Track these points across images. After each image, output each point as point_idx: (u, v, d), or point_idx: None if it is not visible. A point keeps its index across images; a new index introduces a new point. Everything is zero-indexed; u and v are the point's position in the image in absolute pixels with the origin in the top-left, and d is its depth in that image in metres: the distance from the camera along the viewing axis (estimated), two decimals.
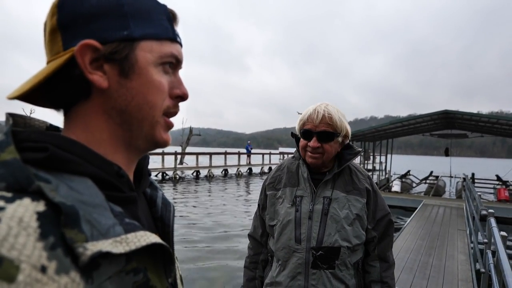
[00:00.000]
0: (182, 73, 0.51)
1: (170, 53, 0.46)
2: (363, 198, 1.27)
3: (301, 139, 1.28)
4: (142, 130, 0.45)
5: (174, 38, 0.47)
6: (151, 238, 0.41)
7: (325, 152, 1.24)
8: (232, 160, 25.29)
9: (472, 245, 5.48)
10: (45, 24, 0.44)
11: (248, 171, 25.05)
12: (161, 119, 0.47)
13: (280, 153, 33.93)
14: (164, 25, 0.46)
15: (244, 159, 26.03)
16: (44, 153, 0.37)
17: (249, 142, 28.21)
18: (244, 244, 6.79)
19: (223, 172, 22.83)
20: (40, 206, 0.33)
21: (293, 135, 1.36)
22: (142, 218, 0.48)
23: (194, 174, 21.07)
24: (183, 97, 0.49)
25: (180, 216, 9.24)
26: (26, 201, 0.33)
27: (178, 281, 0.53)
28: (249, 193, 14.50)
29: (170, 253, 0.46)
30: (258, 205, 1.42)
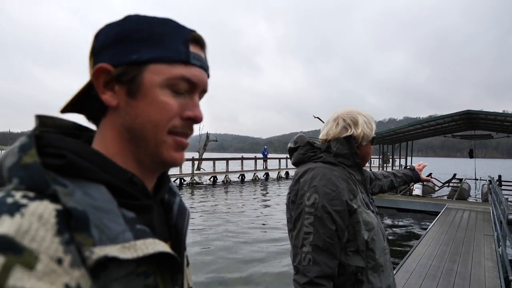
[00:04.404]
0: None
1: (179, 75, 0.46)
2: None
3: (371, 145, 1.35)
4: (148, 148, 0.47)
5: (187, 60, 0.47)
6: (159, 246, 0.43)
7: None
8: (248, 165, 25.34)
9: (500, 251, 5.23)
10: None
11: (264, 176, 24.99)
12: (168, 139, 0.47)
13: None
14: (178, 49, 0.47)
15: (260, 164, 26.02)
16: (62, 159, 0.40)
17: (265, 147, 28.20)
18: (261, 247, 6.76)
19: (240, 177, 22.89)
20: (58, 207, 0.37)
21: (350, 139, 1.27)
22: (157, 225, 0.49)
23: (211, 179, 21.21)
24: (195, 119, 0.49)
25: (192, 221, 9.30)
26: (46, 201, 0.36)
27: None
28: (266, 199, 14.45)
29: (177, 262, 0.47)
30: (336, 230, 1.15)
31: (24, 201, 0.35)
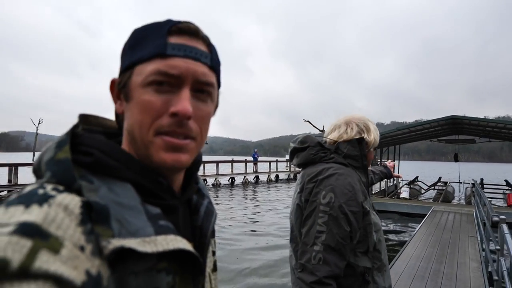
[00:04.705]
0: None
1: (153, 71, 0.45)
2: None
3: (371, 152, 1.38)
4: (140, 150, 0.47)
5: (163, 52, 0.45)
6: (180, 244, 0.43)
7: None
8: (239, 168, 25.27)
9: (483, 252, 5.42)
10: None
11: (255, 179, 25.01)
12: (157, 139, 0.46)
13: (287, 160, 33.82)
14: (154, 44, 0.46)
15: (250, 167, 26.04)
16: (90, 158, 0.43)
17: (255, 150, 28.25)
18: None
19: (230, 180, 22.82)
20: (83, 200, 0.39)
21: (362, 141, 1.31)
22: (181, 225, 0.50)
23: None
24: (177, 114, 0.45)
25: None
26: (73, 194, 0.39)
27: None
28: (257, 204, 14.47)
29: (199, 262, 0.47)
30: (350, 231, 1.15)
31: (53, 192, 0.37)
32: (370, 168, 1.86)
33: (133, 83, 0.46)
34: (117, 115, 0.53)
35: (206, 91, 0.49)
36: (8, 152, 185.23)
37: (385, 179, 2.04)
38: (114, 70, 0.53)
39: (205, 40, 0.49)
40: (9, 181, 14.30)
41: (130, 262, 0.39)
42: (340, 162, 1.27)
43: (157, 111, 0.45)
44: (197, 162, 0.56)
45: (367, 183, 1.36)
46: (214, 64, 0.50)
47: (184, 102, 0.45)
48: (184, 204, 0.54)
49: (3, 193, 13.06)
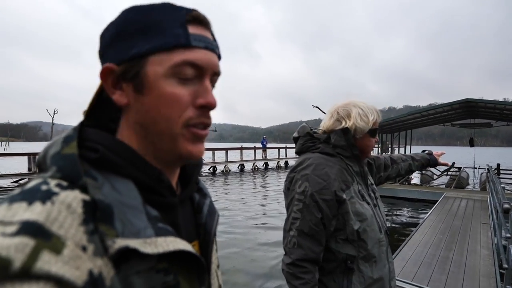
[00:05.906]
0: None
1: (181, 61, 0.44)
2: None
3: (371, 138, 1.33)
4: (163, 144, 0.46)
5: (187, 43, 0.44)
6: (180, 245, 0.43)
7: None
8: (248, 155, 25.27)
9: (496, 239, 5.28)
10: None
11: (264, 165, 25.08)
12: (184, 131, 0.46)
13: None
14: (175, 33, 0.44)
15: (260, 153, 26.05)
16: (96, 153, 0.42)
17: (264, 136, 28.20)
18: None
19: (239, 167, 22.96)
20: (86, 198, 0.38)
21: (347, 131, 1.28)
22: (181, 224, 0.50)
23: (211, 169, 21.30)
24: (208, 106, 0.46)
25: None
26: (76, 191, 0.38)
27: None
28: (267, 188, 14.50)
29: (201, 261, 0.47)
30: (322, 218, 1.19)
31: (56, 189, 0.37)
32: (411, 154, 1.81)
33: (151, 73, 0.44)
34: (107, 105, 0.49)
35: (215, 81, 0.50)
36: (27, 142, 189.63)
37: (427, 167, 1.88)
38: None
39: (211, 28, 0.49)
40: (29, 169, 14.84)
41: (133, 262, 0.39)
42: (326, 152, 1.31)
43: (185, 104, 0.45)
44: (199, 165, 0.58)
45: (362, 172, 1.36)
46: (220, 53, 0.50)
47: (211, 94, 0.46)
48: (186, 203, 0.54)
49: (23, 181, 13.57)
